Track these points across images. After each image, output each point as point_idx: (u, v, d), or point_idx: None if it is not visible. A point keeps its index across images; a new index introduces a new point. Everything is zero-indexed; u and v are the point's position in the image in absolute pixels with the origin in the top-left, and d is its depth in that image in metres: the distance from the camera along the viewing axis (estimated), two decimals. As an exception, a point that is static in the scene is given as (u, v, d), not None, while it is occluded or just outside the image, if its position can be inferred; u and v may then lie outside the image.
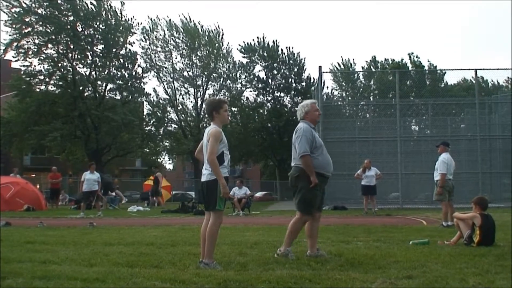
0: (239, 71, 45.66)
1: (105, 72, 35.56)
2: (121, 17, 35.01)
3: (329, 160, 5.66)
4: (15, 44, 32.28)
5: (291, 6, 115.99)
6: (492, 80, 48.93)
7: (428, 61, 51.16)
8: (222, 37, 42.84)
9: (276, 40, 46.42)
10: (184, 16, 43.46)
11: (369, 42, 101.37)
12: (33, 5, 32.22)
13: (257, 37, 47.17)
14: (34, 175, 39.36)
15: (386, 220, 12.01)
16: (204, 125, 41.82)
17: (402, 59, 50.67)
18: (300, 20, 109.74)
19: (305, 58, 47.88)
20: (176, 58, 42.37)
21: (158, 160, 54.36)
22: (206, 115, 5.90)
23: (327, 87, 49.60)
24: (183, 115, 43.61)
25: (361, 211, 15.80)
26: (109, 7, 34.51)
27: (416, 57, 50.89)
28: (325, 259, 5.27)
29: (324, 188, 5.66)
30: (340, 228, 9.19)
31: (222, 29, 43.03)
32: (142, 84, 37.81)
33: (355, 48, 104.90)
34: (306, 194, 5.45)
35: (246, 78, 46.42)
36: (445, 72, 45.45)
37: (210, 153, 4.82)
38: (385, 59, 52.75)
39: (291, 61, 46.49)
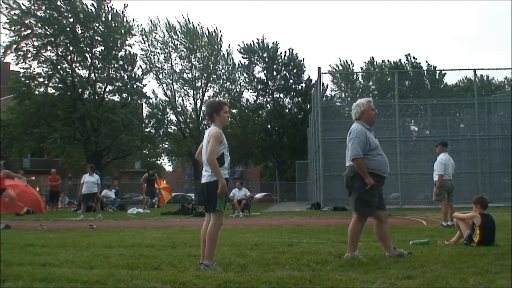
0: (239, 72, 45.72)
1: (105, 74, 35.57)
2: (123, 19, 35.05)
3: (386, 161, 5.57)
4: (14, 46, 32.29)
5: (290, 7, 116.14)
6: (494, 78, 49.04)
7: (426, 61, 51.43)
8: (221, 39, 42.94)
9: (276, 42, 46.58)
10: (183, 18, 43.57)
11: (367, 43, 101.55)
12: (33, 7, 32.24)
13: (257, 38, 47.34)
14: (33, 177, 39.32)
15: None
16: (204, 126, 41.86)
17: (399, 60, 50.76)
18: (298, 21, 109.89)
19: (303, 59, 47.85)
20: (175, 60, 42.48)
21: (158, 162, 54.32)
22: (206, 117, 5.89)
23: (330, 90, 49.71)
24: (182, 117, 43.62)
25: (361, 211, 15.77)
26: (109, 9, 34.55)
27: (414, 58, 50.98)
28: (325, 260, 5.26)
29: (381, 189, 5.56)
30: (340, 229, 9.19)
31: (220, 31, 43.18)
32: (141, 86, 37.86)
33: (353, 49, 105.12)
34: (363, 194, 5.37)
35: (246, 80, 46.52)
36: (445, 73, 45.49)
37: (209, 153, 4.81)
38: (382, 60, 52.90)
39: (291, 63, 46.54)
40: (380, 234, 5.54)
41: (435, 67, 50.45)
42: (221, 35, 42.91)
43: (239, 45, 47.58)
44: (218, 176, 4.79)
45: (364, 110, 5.58)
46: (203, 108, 42.07)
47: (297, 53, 46.91)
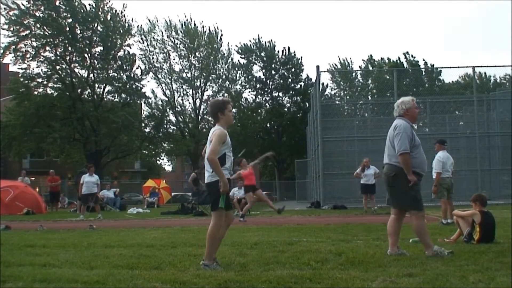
0: (238, 72, 45.71)
1: (104, 74, 35.54)
2: (124, 19, 35.03)
3: (425, 159, 5.63)
4: (13, 47, 32.25)
5: (288, 6, 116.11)
6: (495, 75, 49.14)
7: (423, 60, 51.35)
8: (221, 38, 42.93)
9: (273, 40, 46.60)
10: (185, 16, 43.56)
11: (366, 41, 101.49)
12: (31, 7, 32.21)
13: (254, 38, 47.41)
14: (33, 178, 39.28)
15: (385, 218, 11.91)
16: (204, 125, 41.85)
17: (398, 58, 50.72)
18: (297, 20, 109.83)
19: (301, 57, 47.89)
20: (174, 59, 42.44)
21: (157, 162, 54.27)
22: (210, 117, 5.85)
23: (329, 88, 49.68)
24: (181, 117, 43.58)
25: (361, 210, 15.80)
26: (108, 9, 34.52)
27: (412, 56, 50.95)
28: (325, 258, 5.26)
29: (420, 187, 5.57)
30: (340, 227, 9.20)
31: (221, 30, 43.11)
32: (140, 86, 37.83)
33: (352, 47, 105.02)
34: (410, 192, 5.41)
35: (245, 79, 46.50)
36: (440, 70, 45.43)
37: (210, 152, 4.78)
38: (381, 58, 52.90)
39: (289, 61, 46.53)
40: (391, 230, 5.58)
41: (433, 65, 50.41)
42: (221, 34, 42.94)
43: (236, 45, 47.57)
44: (219, 174, 4.76)
45: (409, 107, 5.67)
46: (203, 107, 42.11)
47: (294, 52, 47.07)
